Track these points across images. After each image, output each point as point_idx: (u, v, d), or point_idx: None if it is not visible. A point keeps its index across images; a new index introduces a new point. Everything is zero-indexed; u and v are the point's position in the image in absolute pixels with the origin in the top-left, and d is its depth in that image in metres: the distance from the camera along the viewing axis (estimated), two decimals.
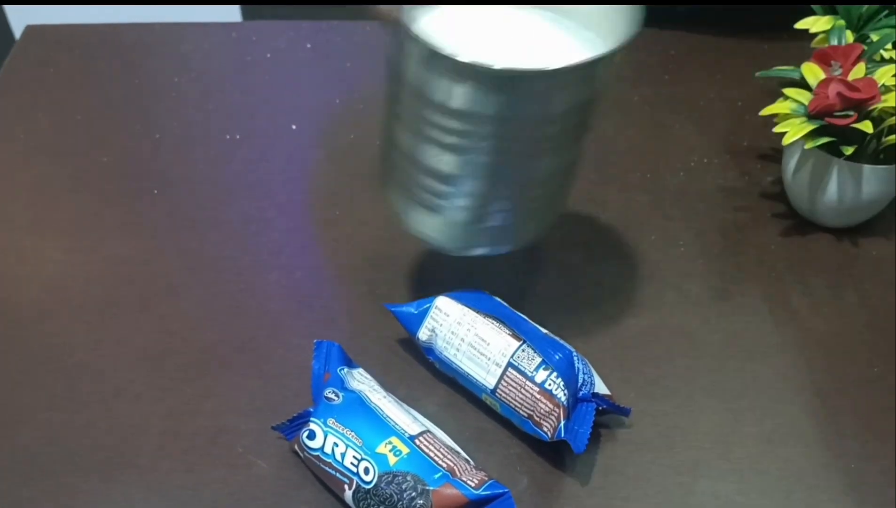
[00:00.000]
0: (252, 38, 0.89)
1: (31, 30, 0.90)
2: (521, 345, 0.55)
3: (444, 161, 0.49)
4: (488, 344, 0.56)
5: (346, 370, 0.55)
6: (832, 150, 0.66)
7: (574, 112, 0.50)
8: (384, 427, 0.51)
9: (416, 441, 0.51)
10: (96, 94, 0.82)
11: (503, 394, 0.55)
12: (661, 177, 0.76)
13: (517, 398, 0.54)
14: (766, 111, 0.68)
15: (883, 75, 0.64)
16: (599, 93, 0.51)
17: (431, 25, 0.52)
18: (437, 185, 0.51)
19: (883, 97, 0.63)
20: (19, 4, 1.68)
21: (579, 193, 0.74)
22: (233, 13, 1.78)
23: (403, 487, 0.49)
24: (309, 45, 0.88)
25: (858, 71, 0.65)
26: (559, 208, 0.58)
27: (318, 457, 0.52)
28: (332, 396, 0.53)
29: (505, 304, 0.59)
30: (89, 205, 0.72)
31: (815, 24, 0.71)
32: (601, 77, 0.49)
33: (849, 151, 0.65)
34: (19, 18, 1.74)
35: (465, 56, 0.44)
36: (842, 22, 0.70)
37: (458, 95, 0.46)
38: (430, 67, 0.46)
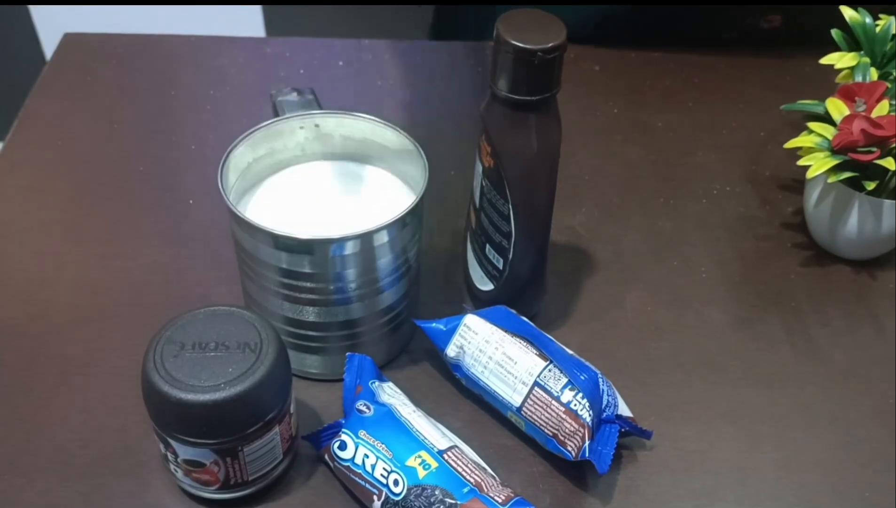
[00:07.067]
0: (286, 53, 0.90)
1: (69, 37, 0.92)
2: (547, 365, 0.56)
3: (286, 307, 0.58)
4: (516, 363, 0.57)
5: (377, 383, 0.57)
6: (854, 184, 0.67)
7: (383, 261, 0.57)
8: (414, 441, 0.53)
9: (445, 456, 0.52)
10: (133, 103, 0.84)
11: (529, 413, 0.56)
12: (683, 203, 0.77)
13: (542, 417, 0.56)
14: (790, 144, 0.69)
15: None
16: (404, 240, 0.57)
17: (266, 194, 0.62)
18: (288, 328, 0.59)
19: None
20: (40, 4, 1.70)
21: (602, 216, 0.75)
22: (255, 17, 1.79)
23: (432, 500, 0.50)
24: (341, 63, 0.90)
25: (882, 108, 0.66)
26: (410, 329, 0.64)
27: (348, 468, 0.53)
28: (364, 408, 0.54)
29: (531, 324, 0.61)
30: (126, 213, 0.73)
31: (840, 60, 0.72)
32: (398, 232, 0.56)
33: (871, 186, 0.66)
34: (45, 25, 1.77)
35: (279, 229, 0.54)
36: (867, 59, 0.71)
37: (282, 259, 0.55)
38: (255, 238, 0.55)
